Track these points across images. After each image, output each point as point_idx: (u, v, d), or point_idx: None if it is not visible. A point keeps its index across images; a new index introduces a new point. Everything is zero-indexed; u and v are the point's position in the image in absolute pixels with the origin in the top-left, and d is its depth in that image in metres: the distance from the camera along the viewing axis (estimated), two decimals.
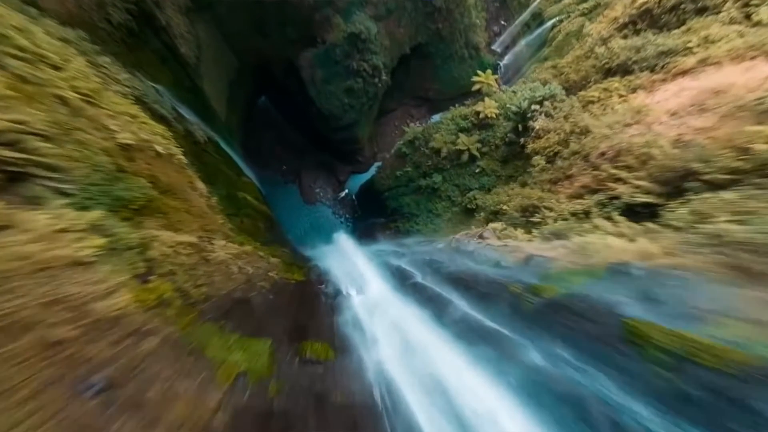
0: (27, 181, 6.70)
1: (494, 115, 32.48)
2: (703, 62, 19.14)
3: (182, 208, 13.81)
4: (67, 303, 5.13)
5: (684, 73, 19.95)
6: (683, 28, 23.17)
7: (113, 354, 5.23)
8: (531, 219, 18.21)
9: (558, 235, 13.41)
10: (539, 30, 54.11)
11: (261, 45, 39.71)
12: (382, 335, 11.58)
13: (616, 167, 15.41)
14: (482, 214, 27.40)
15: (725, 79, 15.59)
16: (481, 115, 33.05)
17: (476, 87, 40.22)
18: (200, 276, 9.97)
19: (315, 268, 23.36)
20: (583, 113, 23.39)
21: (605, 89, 24.62)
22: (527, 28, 58.62)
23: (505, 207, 22.91)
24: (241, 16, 36.92)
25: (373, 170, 46.38)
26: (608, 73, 26.37)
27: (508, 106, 31.58)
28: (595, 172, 16.72)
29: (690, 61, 19.96)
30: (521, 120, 28.34)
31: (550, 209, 17.58)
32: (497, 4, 62.49)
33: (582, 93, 26.51)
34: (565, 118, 24.64)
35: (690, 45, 21.10)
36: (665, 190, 12.13)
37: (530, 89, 29.53)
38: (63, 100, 9.20)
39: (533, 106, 26.80)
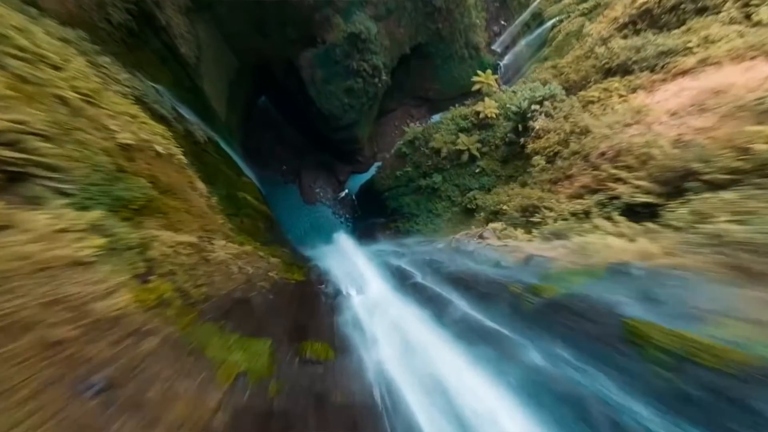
0: (27, 181, 6.70)
1: (494, 115, 32.47)
2: (703, 62, 19.13)
3: (182, 208, 13.80)
4: (67, 303, 5.13)
5: (684, 73, 19.94)
6: (683, 28, 23.16)
7: (113, 354, 5.22)
8: (531, 219, 18.21)
9: (558, 235, 13.41)
10: (539, 30, 54.11)
11: (261, 45, 39.68)
12: (382, 335, 11.57)
13: (616, 167, 15.41)
14: (482, 214, 27.39)
15: (725, 79, 15.59)
16: (481, 115, 33.04)
17: (476, 87, 40.22)
18: (200, 276, 9.96)
19: (315, 268, 23.34)
20: (583, 113, 23.39)
21: (605, 89, 24.62)
22: (527, 28, 58.62)
23: (505, 207, 22.90)
24: (241, 16, 36.90)
25: (373, 170, 46.39)
26: (608, 73, 26.37)
27: (508, 106, 31.59)
28: (595, 172, 16.71)
29: (690, 61, 19.96)
30: (521, 120, 28.34)
31: (550, 209, 17.57)
32: (497, 4, 62.46)
33: (582, 93, 26.51)
34: (565, 118, 24.64)
35: (690, 45, 21.09)
36: (665, 190, 12.13)
37: (530, 89, 29.54)
38: (63, 100, 9.20)
39: (533, 106, 26.80)
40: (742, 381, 4.92)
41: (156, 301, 6.97)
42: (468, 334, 10.00)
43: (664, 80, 21.00)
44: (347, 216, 47.58)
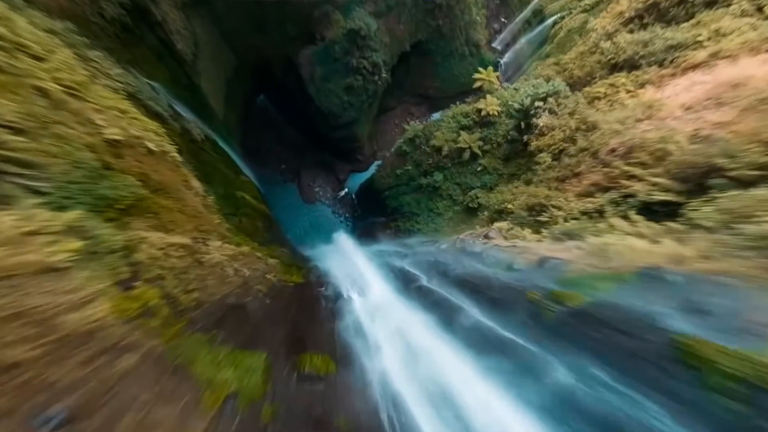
0: None
1: (496, 113, 31.97)
2: (715, 56, 18.54)
3: (175, 207, 13.16)
4: (31, 317, 4.46)
5: (695, 67, 19.33)
6: (692, 21, 22.56)
7: (82, 376, 4.55)
8: (538, 218, 17.58)
9: (570, 236, 12.76)
10: (540, 27, 53.76)
11: (259, 42, 39.14)
12: (386, 342, 10.94)
13: (628, 164, 14.76)
14: (485, 213, 26.88)
15: (743, 72, 14.97)
16: (483, 113, 32.54)
17: (477, 84, 39.66)
18: (192, 280, 9.33)
19: (314, 269, 22.81)
20: (589, 109, 22.75)
21: (611, 85, 24.02)
22: (528, 25, 58.26)
23: (510, 206, 22.31)
24: (239, 13, 36.34)
25: (372, 169, 46.08)
26: (614, 68, 25.80)
27: (510, 103, 31.04)
28: (606, 170, 16.06)
29: (701, 54, 19.35)
30: (524, 117, 27.86)
31: (559, 208, 16.94)
32: (497, 2, 61.97)
33: (587, 89, 25.93)
34: (571, 114, 24.10)
35: (700, 38, 20.48)
36: (685, 188, 11.47)
37: (533, 86, 28.97)
38: (43, 92, 8.54)
39: (536, 103, 26.29)
40: None
41: (139, 310, 6.31)
42: (480, 343, 9.29)
43: (673, 75, 20.40)
44: (347, 215, 47.15)
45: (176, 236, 11.04)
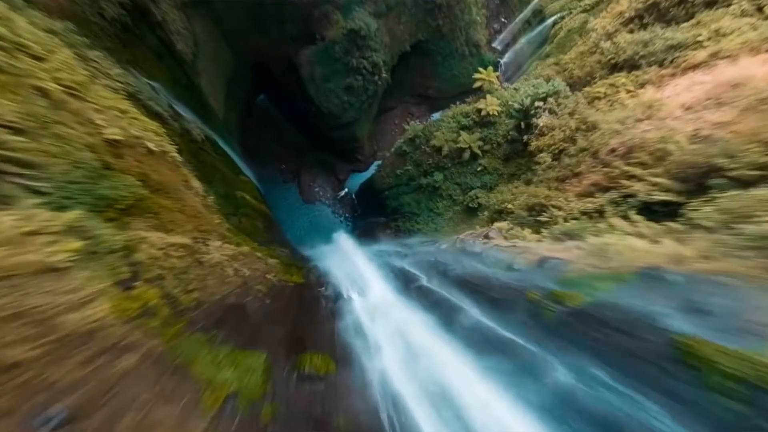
0: None
1: (496, 113, 31.95)
2: (715, 56, 18.52)
3: (175, 207, 13.15)
4: (31, 317, 4.46)
5: (695, 67, 19.32)
6: (692, 21, 22.53)
7: (82, 376, 4.55)
8: (538, 218, 17.55)
9: (570, 236, 12.75)
10: (540, 27, 53.70)
11: (259, 42, 39.07)
12: (386, 342, 10.92)
13: (628, 164, 14.74)
14: (485, 213, 26.89)
15: (743, 72, 14.94)
16: (483, 113, 32.52)
17: (477, 84, 39.60)
18: (192, 280, 9.33)
19: (314, 269, 22.78)
20: (589, 109, 22.74)
21: (612, 85, 24.00)
22: (528, 25, 58.19)
23: (510, 206, 22.31)
24: (239, 13, 36.27)
25: (372, 169, 46.15)
26: (614, 68, 25.79)
27: (510, 103, 31.04)
28: (606, 170, 16.04)
29: (701, 54, 19.34)
30: (524, 117, 27.88)
31: (559, 208, 16.92)
32: (497, 2, 61.85)
33: (587, 89, 25.90)
34: (571, 114, 24.11)
35: (700, 39, 20.47)
36: (685, 188, 11.46)
37: (533, 86, 28.98)
38: (43, 92, 8.53)
39: (536, 103, 26.30)
40: None
41: (139, 310, 6.31)
42: (480, 343, 9.27)
43: (673, 75, 20.38)
44: (347, 215, 47.16)
45: (176, 236, 11.03)
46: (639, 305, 6.63)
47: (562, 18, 47.45)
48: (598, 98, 23.93)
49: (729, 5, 21.37)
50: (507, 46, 60.50)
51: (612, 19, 29.99)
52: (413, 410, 8.15)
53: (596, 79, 26.61)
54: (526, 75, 40.42)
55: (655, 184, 12.54)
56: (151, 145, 13.55)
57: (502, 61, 58.44)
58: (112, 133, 10.58)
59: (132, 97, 18.70)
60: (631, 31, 26.59)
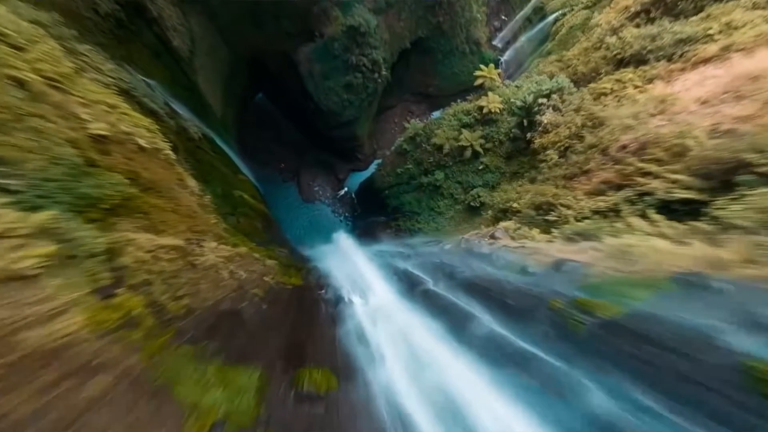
0: None
1: (498, 110, 31.48)
2: (727, 49, 17.94)
3: (167, 207, 12.51)
4: None
5: (706, 61, 18.74)
6: (702, 14, 21.99)
7: (42, 405, 3.88)
8: (547, 217, 16.92)
9: (584, 236, 12.11)
10: (541, 24, 53.23)
11: (257, 39, 38.42)
12: (390, 352, 10.24)
13: (642, 161, 14.12)
14: (489, 212, 26.38)
15: (761, 65, 14.32)
16: (485, 110, 32.11)
17: (479, 82, 38.96)
18: (183, 285, 8.70)
19: (314, 269, 22.18)
20: (596, 105, 22.14)
21: (618, 80, 23.40)
22: (528, 22, 57.69)
23: (515, 205, 21.73)
24: (235, 8, 35.60)
25: (372, 168, 45.91)
26: (620, 63, 25.21)
27: (512, 100, 30.63)
28: (618, 167, 15.40)
29: (712, 48, 18.76)
30: (526, 115, 27.46)
31: (568, 207, 16.29)
32: None
33: (592, 85, 25.34)
34: (576, 111, 23.57)
35: (711, 32, 19.91)
36: (708, 185, 10.81)
37: (536, 83, 28.53)
38: (20, 83, 7.89)
39: (540, 100, 25.84)
40: None
41: (119, 321, 5.67)
42: (495, 355, 8.53)
43: (683, 69, 19.80)
44: (347, 214, 46.67)
45: (168, 237, 10.41)
46: (686, 318, 5.81)
47: (564, 15, 46.93)
48: (605, 94, 23.32)
49: None
50: (507, 43, 59.96)
51: (617, 14, 29.44)
52: (423, 430, 7.48)
53: (602, 75, 26.02)
54: (528, 72, 39.94)
55: (674, 182, 11.89)
56: (142, 142, 12.90)
57: (502, 59, 57.88)
58: (98, 128, 9.94)
59: (125, 93, 18.08)
60: (638, 26, 26.00)
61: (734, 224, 8.06)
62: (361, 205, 45.55)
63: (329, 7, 36.11)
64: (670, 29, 22.15)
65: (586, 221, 13.92)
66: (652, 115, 16.41)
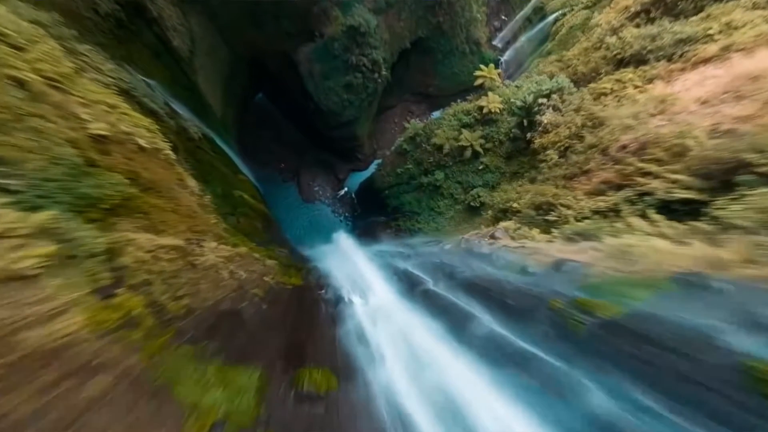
0: None
1: (498, 110, 31.47)
2: (727, 49, 17.93)
3: (167, 207, 12.50)
4: None
5: (706, 61, 18.73)
6: (701, 14, 21.98)
7: (42, 405, 3.89)
8: (546, 217, 16.90)
9: (584, 236, 12.10)
10: (541, 24, 53.18)
11: (257, 39, 38.42)
12: (390, 351, 10.22)
13: (642, 161, 14.12)
14: (489, 212, 26.38)
15: (761, 65, 14.31)
16: (485, 110, 32.10)
17: (479, 81, 38.95)
18: (183, 285, 8.69)
19: (314, 270, 22.15)
20: (596, 105, 22.14)
21: (618, 80, 23.39)
22: (528, 22, 57.64)
23: (515, 205, 21.72)
24: (235, 8, 35.59)
25: (372, 168, 45.88)
26: (620, 63, 25.21)
27: (512, 100, 30.62)
28: (618, 167, 15.40)
29: (712, 48, 18.76)
30: (526, 115, 27.46)
31: (568, 207, 16.27)
32: None
33: (592, 85, 25.34)
34: (576, 111, 23.57)
35: (711, 32, 19.91)
36: (708, 185, 10.79)
37: (536, 83, 28.52)
38: (20, 83, 7.89)
39: (540, 100, 25.83)
40: None
41: (119, 321, 5.66)
42: (495, 354, 8.50)
43: (683, 69, 19.80)
44: (347, 215, 46.66)
45: (168, 237, 10.41)
46: (686, 318, 5.77)
47: (564, 15, 46.89)
48: (605, 94, 23.31)
49: None
50: (507, 44, 59.91)
51: (617, 14, 29.43)
52: (423, 430, 7.46)
53: (602, 75, 26.02)
54: (528, 72, 39.90)
55: (674, 182, 11.87)
56: (142, 142, 12.90)
57: (502, 59, 57.83)
58: (98, 128, 9.94)
59: (125, 93, 18.09)
60: (638, 26, 26.00)
61: (734, 224, 8.05)
62: (361, 205, 45.55)
63: (329, 6, 36.08)
64: (670, 29, 22.15)
65: (586, 221, 13.91)
66: (652, 115, 16.40)
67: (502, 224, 18.80)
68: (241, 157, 40.84)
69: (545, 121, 25.30)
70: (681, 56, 20.70)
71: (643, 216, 11.64)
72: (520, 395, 7.28)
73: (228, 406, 6.46)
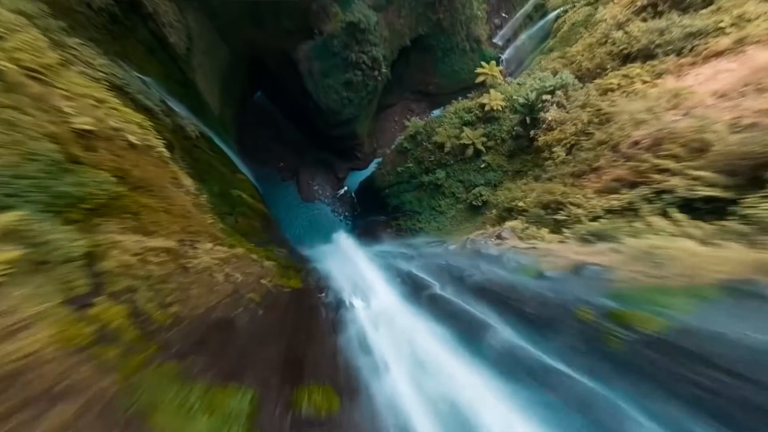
0: None
1: (500, 108, 30.93)
2: (741, 42, 17.36)
3: (160, 207, 11.87)
4: None
5: (717, 54, 18.15)
6: (712, 7, 21.37)
7: None
8: (555, 217, 16.27)
9: (600, 236, 11.45)
10: (542, 22, 52.59)
11: (255, 36, 37.92)
12: (394, 359, 9.56)
13: (658, 157, 13.49)
14: (493, 211, 25.82)
15: None
16: (487, 108, 31.60)
17: (480, 79, 38.48)
18: (172, 291, 8.07)
19: (314, 271, 21.54)
20: (602, 101, 21.54)
21: (625, 76, 22.84)
22: (529, 20, 57.09)
23: (521, 203, 21.09)
24: (234, 7, 35.07)
25: (372, 167, 45.51)
26: (627, 59, 24.70)
27: (514, 98, 30.15)
28: (631, 164, 14.75)
29: (724, 41, 18.18)
30: (529, 112, 26.96)
31: (578, 205, 15.62)
32: None
33: (598, 81, 24.79)
34: (582, 107, 23.01)
35: (722, 25, 19.32)
36: (734, 182, 10.16)
37: (539, 79, 27.92)
38: None
39: (543, 97, 25.30)
40: None
41: (93, 335, 5.02)
42: (514, 368, 7.77)
43: (693, 63, 19.20)
44: (346, 214, 46.25)
45: (158, 239, 9.79)
46: (751, 336, 4.81)
47: (565, 12, 46.20)
48: (611, 90, 22.76)
49: None
50: (508, 41, 59.42)
51: (623, 9, 28.81)
52: None
53: (607, 71, 25.51)
54: (530, 70, 39.33)
55: (696, 179, 11.23)
56: (132, 139, 12.26)
57: (503, 57, 57.36)
58: (83, 122, 9.29)
59: (118, 89, 17.50)
60: (644, 20, 25.42)
61: None
62: (361, 204, 45.09)
63: (328, 3, 35.58)
64: (679, 23, 21.60)
65: (600, 221, 13.28)
66: (666, 110, 15.79)
67: (509, 224, 18.17)
68: (239, 156, 40.30)
69: (549, 118, 24.77)
70: (691, 50, 20.13)
71: (665, 215, 11.02)
72: (541, 413, 6.57)
73: None
